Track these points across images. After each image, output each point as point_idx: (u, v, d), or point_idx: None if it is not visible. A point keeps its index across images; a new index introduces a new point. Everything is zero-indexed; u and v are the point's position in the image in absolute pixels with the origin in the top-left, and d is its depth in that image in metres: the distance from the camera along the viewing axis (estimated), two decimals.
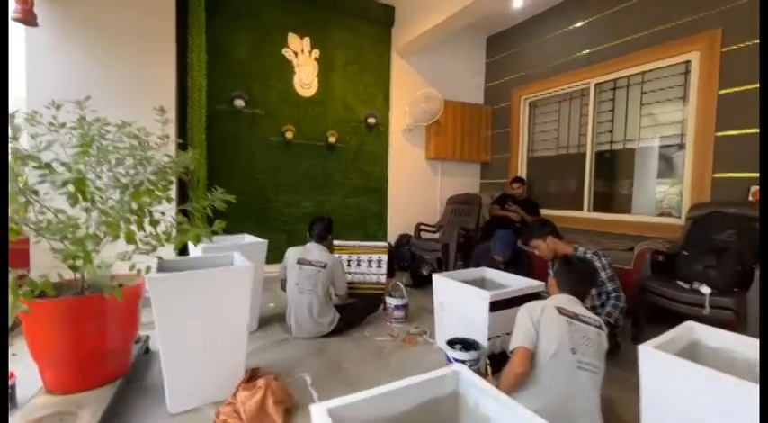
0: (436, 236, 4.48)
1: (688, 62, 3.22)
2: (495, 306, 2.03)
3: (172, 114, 3.12)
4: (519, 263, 2.86)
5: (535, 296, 2.16)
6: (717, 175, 3.04)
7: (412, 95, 4.52)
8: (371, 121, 4.38)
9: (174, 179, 1.90)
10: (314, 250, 2.62)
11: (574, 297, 1.61)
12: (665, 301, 2.36)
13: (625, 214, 3.73)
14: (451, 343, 2.01)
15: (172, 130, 3.11)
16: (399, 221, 4.68)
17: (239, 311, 1.73)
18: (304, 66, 4.01)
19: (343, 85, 4.27)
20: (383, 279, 3.24)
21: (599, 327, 1.51)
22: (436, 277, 2.39)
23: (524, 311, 1.54)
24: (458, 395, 1.08)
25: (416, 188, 4.81)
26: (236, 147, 3.72)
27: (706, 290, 2.14)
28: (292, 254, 2.62)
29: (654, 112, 3.51)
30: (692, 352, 1.45)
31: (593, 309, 2.31)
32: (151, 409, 1.63)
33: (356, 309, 2.69)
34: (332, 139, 4.15)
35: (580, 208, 4.13)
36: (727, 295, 2.11)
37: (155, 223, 1.61)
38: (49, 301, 1.46)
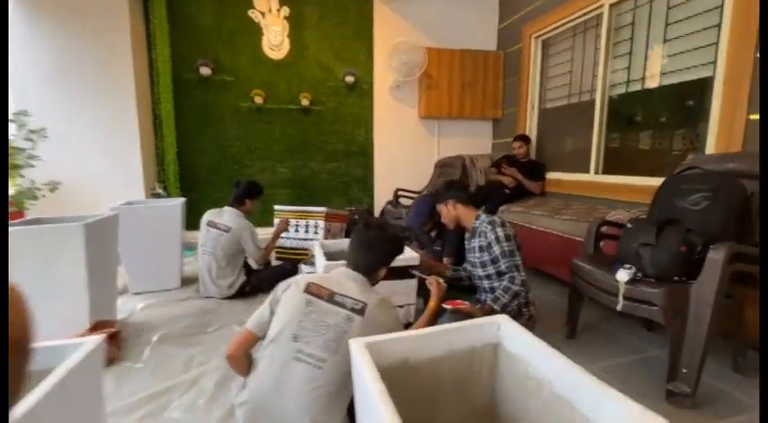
0: None
1: None
2: None
3: (131, 90, 3.35)
4: (448, 233, 2.44)
5: (403, 270, 1.84)
6: (753, 117, 2.10)
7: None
8: (350, 79, 4.09)
9: None
10: (225, 214, 2.62)
11: (355, 272, 1.30)
12: (589, 288, 1.78)
13: (640, 176, 2.86)
14: None
15: (132, 103, 3.36)
16: (388, 187, 4.39)
17: (73, 267, 1.82)
18: (272, 26, 3.88)
19: (317, 43, 4.03)
20: None
21: (357, 311, 1.20)
22: (315, 246, 2.19)
23: (277, 287, 1.30)
24: (498, 345, 1.11)
25: (408, 151, 4.42)
26: (206, 115, 3.86)
27: (622, 276, 1.53)
28: (206, 216, 2.66)
29: (682, 35, 2.52)
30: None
31: (491, 290, 1.87)
32: None
33: (265, 275, 2.65)
34: (305, 102, 4.01)
35: (587, 170, 3.31)
36: (654, 285, 1.48)
37: None
38: None
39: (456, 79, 4.26)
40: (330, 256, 2.22)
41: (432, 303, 1.62)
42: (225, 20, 3.79)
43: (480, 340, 1.13)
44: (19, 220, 2.00)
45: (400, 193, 4.06)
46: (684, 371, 1.45)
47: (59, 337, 1.79)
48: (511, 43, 4.24)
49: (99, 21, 3.21)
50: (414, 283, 1.91)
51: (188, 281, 2.86)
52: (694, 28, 2.43)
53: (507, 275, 1.78)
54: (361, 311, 1.19)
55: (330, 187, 4.32)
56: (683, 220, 1.56)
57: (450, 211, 2.02)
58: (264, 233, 2.94)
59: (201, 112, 3.84)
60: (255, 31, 3.87)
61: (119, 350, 1.85)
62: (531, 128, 4.04)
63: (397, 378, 1.04)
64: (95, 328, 1.91)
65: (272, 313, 1.23)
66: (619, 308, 1.54)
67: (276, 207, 3.18)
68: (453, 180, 2.15)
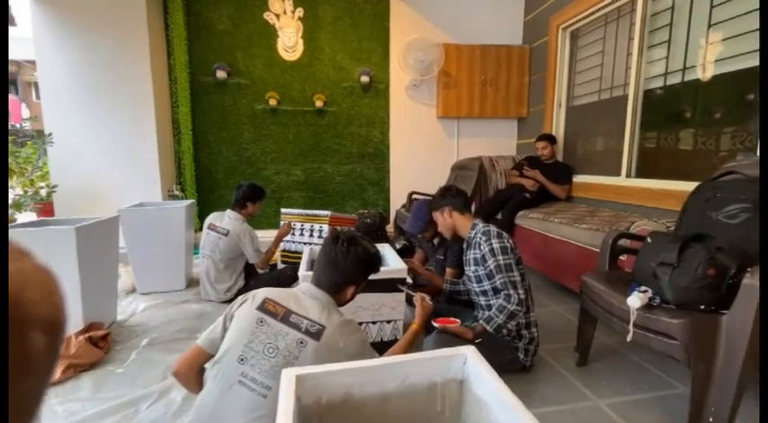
0: None
1: None
2: None
3: (150, 96, 3.45)
4: (451, 242, 2.26)
5: (389, 283, 1.70)
6: None
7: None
8: (365, 79, 3.99)
9: None
10: (226, 217, 2.61)
11: (318, 289, 1.18)
12: (599, 310, 1.54)
13: (678, 180, 2.51)
14: None
15: (150, 109, 3.46)
16: (405, 190, 4.23)
17: (65, 269, 1.86)
18: (286, 28, 3.86)
19: (331, 44, 3.97)
20: None
21: (312, 335, 1.07)
22: (305, 252, 2.10)
23: (235, 301, 1.21)
24: (463, 382, 0.97)
25: (426, 152, 4.25)
26: (222, 118, 3.91)
27: (633, 301, 1.29)
28: (208, 219, 2.66)
29: (731, 18, 2.18)
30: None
31: (488, 308, 1.68)
32: None
33: (264, 279, 2.60)
34: (319, 103, 3.96)
35: (617, 172, 2.98)
36: (674, 314, 1.24)
37: None
38: None
39: (477, 76, 4.03)
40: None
41: (414, 325, 1.47)
42: (241, 24, 3.82)
43: (442, 375, 0.98)
44: (21, 223, 2.07)
45: (414, 196, 3.90)
46: (711, 420, 1.19)
47: None
48: (537, 36, 3.95)
49: (119, 30, 3.33)
50: (401, 296, 1.76)
51: (195, 282, 2.88)
52: (746, 8, 2.08)
53: (502, 293, 1.58)
54: (316, 335, 1.06)
55: (344, 190, 4.24)
56: (715, 235, 1.29)
57: (445, 220, 1.85)
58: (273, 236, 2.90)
59: (218, 116, 3.90)
60: (271, 33, 3.87)
61: (104, 353, 1.86)
62: (558, 127, 3.73)
63: (338, 417, 0.92)
64: (88, 329, 1.94)
65: (224, 329, 1.14)
66: (628, 338, 1.30)
67: (283, 210, 3.14)
68: (450, 185, 1.97)
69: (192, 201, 3.02)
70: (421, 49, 3.72)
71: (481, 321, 1.58)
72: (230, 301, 2.53)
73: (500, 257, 1.60)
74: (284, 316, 1.09)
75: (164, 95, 3.68)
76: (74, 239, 1.85)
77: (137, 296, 2.69)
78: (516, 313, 1.55)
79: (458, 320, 1.71)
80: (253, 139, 3.99)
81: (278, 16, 3.85)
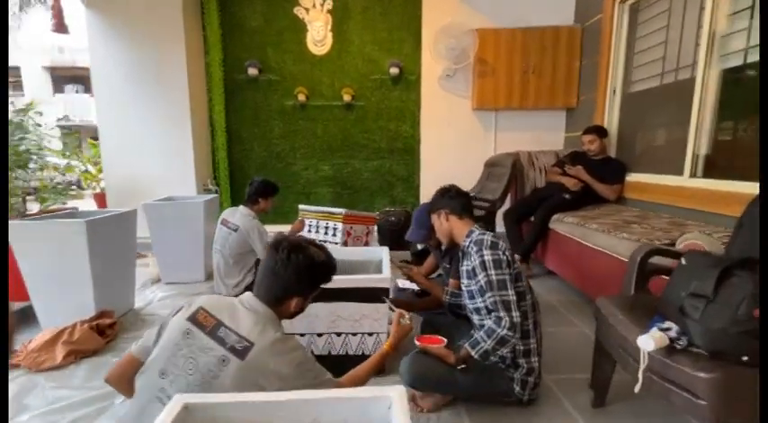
0: None
1: None
2: None
3: (185, 95, 3.61)
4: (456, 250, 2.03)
5: (369, 293, 1.55)
6: None
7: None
8: (395, 71, 3.81)
9: None
10: (238, 213, 2.63)
11: (258, 300, 1.05)
12: (613, 344, 1.24)
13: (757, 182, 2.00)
14: None
15: (186, 107, 3.63)
16: (436, 187, 3.98)
17: (78, 259, 1.97)
18: (315, 21, 3.81)
19: (361, 35, 3.85)
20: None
21: (237, 353, 0.96)
22: None
23: (175, 306, 1.15)
24: None
25: (459, 147, 3.96)
26: (254, 114, 3.99)
27: (645, 342, 0.99)
28: (223, 214, 2.71)
29: None
30: None
31: (481, 328, 1.46)
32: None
33: None
34: (347, 97, 3.87)
35: (679, 171, 2.49)
36: (701, 364, 0.93)
37: None
38: None
39: (517, 63, 3.64)
40: None
41: (385, 346, 1.30)
42: (272, 20, 3.85)
43: (360, 419, 0.81)
44: (40, 216, 2.24)
45: None
46: None
47: (69, 320, 1.97)
48: (590, 14, 3.46)
49: (158, 32, 3.52)
50: (384, 308, 1.60)
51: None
52: None
53: (492, 314, 1.35)
54: (241, 353, 0.94)
55: (372, 186, 4.12)
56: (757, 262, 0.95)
57: (442, 224, 1.64)
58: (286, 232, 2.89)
59: (250, 112, 3.99)
60: (300, 28, 3.85)
61: (107, 342, 1.95)
62: (612, 117, 3.24)
63: None
64: (98, 317, 2.05)
65: (158, 337, 1.08)
66: (636, 388, 1.01)
67: (301, 206, 3.11)
68: (450, 186, 1.75)
69: (214, 196, 3.11)
70: (453, 35, 3.45)
71: (466, 345, 1.37)
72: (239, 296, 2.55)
73: (492, 272, 1.36)
74: (212, 329, 0.98)
75: (200, 94, 3.84)
76: (84, 232, 1.95)
77: (160, 285, 2.83)
78: (507, 339, 1.31)
79: (443, 340, 1.51)
80: (282, 134, 4.03)
81: (307, 10, 3.81)
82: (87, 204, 4.54)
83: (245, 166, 4.06)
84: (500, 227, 3.17)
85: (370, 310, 1.58)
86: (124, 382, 1.08)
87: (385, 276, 1.58)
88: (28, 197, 2.75)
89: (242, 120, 3.99)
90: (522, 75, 3.66)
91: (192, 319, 1.01)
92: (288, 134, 4.03)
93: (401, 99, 3.95)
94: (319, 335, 1.60)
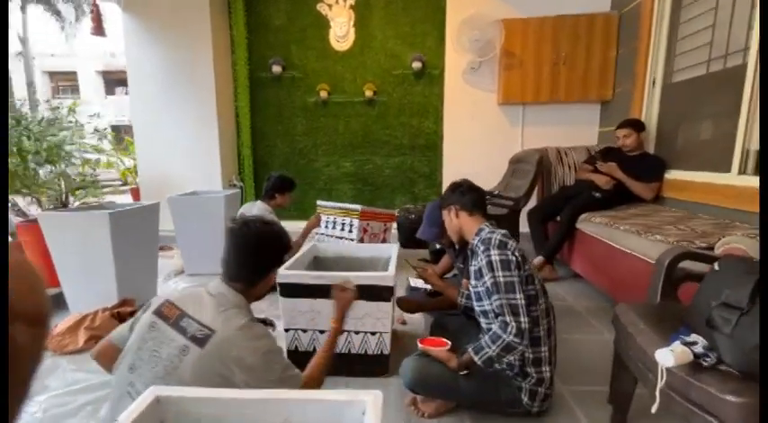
0: None
1: None
2: (290, 291, 1.55)
3: (212, 93, 3.72)
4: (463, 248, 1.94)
5: (372, 291, 1.51)
6: None
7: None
8: (417, 65, 3.73)
9: None
10: (255, 208, 2.66)
11: (225, 285, 1.04)
12: (631, 357, 1.12)
13: None
14: None
15: (212, 106, 3.74)
16: None
17: (101, 249, 2.07)
18: (338, 17, 3.80)
19: (383, 30, 3.80)
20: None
21: (198, 341, 0.93)
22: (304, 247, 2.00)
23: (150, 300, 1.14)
24: None
25: (484, 143, 3.81)
26: (278, 111, 4.04)
27: (664, 357, 0.87)
28: (241, 209, 2.76)
29: None
30: None
31: (488, 331, 1.37)
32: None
33: None
34: (369, 93, 3.84)
35: (726, 167, 2.25)
36: (729, 386, 0.81)
37: None
38: None
39: (547, 54, 3.45)
40: (323, 262, 2.01)
41: (332, 322, 1.25)
42: (296, 17, 3.87)
43: (333, 422, 0.76)
44: (65, 208, 2.35)
45: None
46: None
47: (94, 306, 2.07)
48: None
49: (187, 32, 3.64)
50: (387, 307, 1.54)
51: None
52: None
53: (499, 319, 1.26)
54: (201, 341, 0.92)
55: (394, 183, 4.07)
56: None
57: (452, 221, 1.56)
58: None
59: (273, 109, 4.05)
60: (323, 24, 3.85)
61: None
62: (651, 110, 2.99)
63: None
64: (120, 305, 2.13)
65: (130, 331, 1.05)
66: (653, 408, 0.90)
67: (319, 202, 3.11)
68: (461, 181, 1.65)
69: (236, 191, 3.18)
70: (477, 27, 3.32)
71: (470, 350, 1.29)
72: None
73: (499, 273, 1.27)
74: (176, 320, 0.97)
75: (227, 92, 3.94)
76: (108, 224, 2.04)
77: (183, 277, 2.93)
78: (514, 346, 1.22)
79: (447, 343, 1.43)
80: (305, 131, 4.06)
81: (330, 6, 3.80)
82: (127, 199, 4.79)
83: (269, 163, 4.13)
84: (524, 226, 3.02)
85: (372, 309, 1.53)
86: (106, 364, 1.07)
87: (387, 274, 1.52)
88: (78, 191, 2.96)
89: (266, 117, 4.06)
90: (551, 66, 3.46)
91: (158, 312, 1.00)
92: (310, 131, 4.05)
93: (424, 94, 3.87)
94: (321, 332, 1.57)
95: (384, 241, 3.08)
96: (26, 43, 12.82)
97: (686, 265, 1.30)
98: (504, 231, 1.39)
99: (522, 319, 1.23)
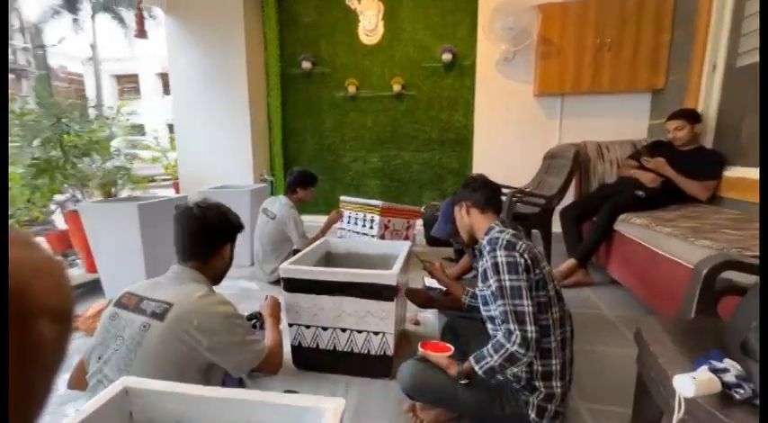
0: None
1: None
2: (293, 286, 1.54)
3: (245, 92, 3.82)
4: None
5: (373, 289, 1.46)
6: None
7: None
8: (447, 57, 3.60)
9: None
10: (276, 202, 2.70)
11: (181, 265, 1.09)
12: (652, 380, 0.97)
13: None
14: None
15: (245, 103, 3.85)
16: (493, 179, 3.71)
17: (131, 237, 2.19)
18: (367, 11, 3.74)
19: (413, 21, 3.70)
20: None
21: (158, 316, 0.94)
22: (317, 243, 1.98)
23: None
24: None
25: (518, 137, 3.61)
26: (307, 107, 4.08)
27: (683, 386, 0.73)
28: (264, 203, 2.81)
29: None
30: None
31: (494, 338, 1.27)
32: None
33: None
34: (397, 87, 3.76)
35: None
36: None
37: None
38: None
39: (589, 40, 3.18)
40: (334, 258, 1.99)
41: (267, 319, 1.35)
42: (325, 12, 3.88)
43: None
44: (97, 200, 2.51)
45: None
46: None
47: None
48: None
49: (222, 32, 3.77)
50: (390, 307, 1.48)
51: None
52: None
53: (503, 326, 1.16)
54: (161, 316, 0.94)
55: (422, 179, 3.97)
56: None
57: (463, 218, 1.47)
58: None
59: (303, 105, 4.09)
60: (352, 19, 3.81)
61: None
62: (709, 99, 2.66)
63: None
64: None
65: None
66: None
67: (342, 197, 3.11)
68: (476, 176, 1.54)
69: (262, 185, 3.25)
70: (511, 13, 3.12)
71: (471, 358, 1.19)
72: (276, 282, 2.62)
73: (505, 277, 1.17)
74: (135, 305, 0.99)
75: (259, 89, 4.04)
76: (137, 215, 2.15)
77: None
78: (518, 357, 1.11)
79: (450, 348, 1.35)
80: (333, 126, 4.07)
81: (359, 0, 3.76)
82: (170, 192, 5.09)
83: (298, 158, 4.19)
84: (557, 227, 2.82)
85: (374, 308, 1.48)
86: (82, 385, 1.10)
87: (389, 273, 1.46)
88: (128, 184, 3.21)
89: (296, 113, 4.12)
90: (594, 53, 3.19)
91: (118, 303, 1.03)
92: (338, 126, 4.06)
93: (454, 87, 3.73)
94: (324, 329, 1.55)
95: (407, 238, 3.02)
96: (95, 49, 14.08)
97: (732, 275, 1.12)
98: (513, 231, 1.27)
99: (528, 328, 1.12)
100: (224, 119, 3.92)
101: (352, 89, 3.87)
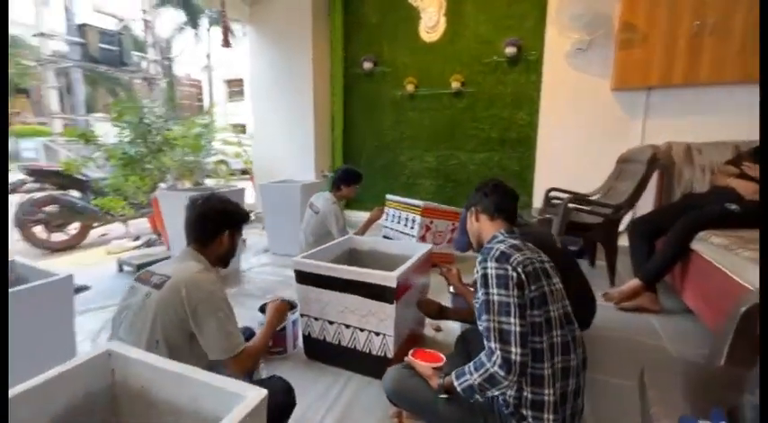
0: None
1: None
2: (303, 278, 1.61)
3: (310, 94, 4.07)
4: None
5: (375, 289, 1.48)
6: None
7: None
8: (511, 51, 3.37)
9: None
10: (321, 197, 2.85)
11: (187, 247, 1.24)
12: None
13: None
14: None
15: (310, 100, 4.10)
16: (557, 184, 3.41)
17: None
18: (428, 8, 3.69)
19: (476, 15, 3.54)
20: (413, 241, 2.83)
21: (157, 286, 1.09)
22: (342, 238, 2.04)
23: None
24: (116, 385, 0.86)
25: (591, 137, 3.23)
26: (368, 106, 4.18)
27: None
28: (311, 198, 2.97)
29: None
30: None
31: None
32: None
33: None
34: (456, 85, 3.65)
35: None
36: None
37: None
38: None
39: (684, 23, 2.69)
40: (356, 255, 2.03)
41: (268, 317, 1.36)
42: (388, 12, 3.92)
43: (218, 407, 0.77)
44: (187, 188, 2.90)
45: (553, 193, 3.06)
46: None
47: None
48: None
49: (291, 35, 4.05)
50: (391, 309, 1.46)
51: None
52: None
53: (486, 344, 1.07)
54: (160, 286, 1.09)
55: (478, 181, 3.77)
56: None
57: (472, 224, 1.40)
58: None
59: (364, 104, 4.21)
60: (413, 17, 3.81)
61: None
62: None
63: (139, 411, 0.88)
64: None
65: None
66: None
67: (388, 196, 3.13)
68: (489, 180, 1.43)
69: (315, 181, 3.44)
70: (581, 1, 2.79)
71: (453, 373, 1.13)
72: None
73: (493, 291, 1.08)
74: (147, 278, 1.14)
75: (324, 90, 4.26)
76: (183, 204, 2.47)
77: (267, 255, 3.33)
78: (498, 379, 1.02)
79: (442, 358, 1.29)
80: (392, 125, 4.11)
81: None
82: (247, 184, 5.67)
83: (358, 156, 4.32)
84: (625, 240, 2.47)
85: (376, 308, 1.48)
86: None
87: (390, 274, 1.44)
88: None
89: (357, 112, 4.25)
90: (690, 39, 2.69)
91: (137, 278, 1.19)
92: (396, 124, 4.08)
93: (518, 83, 3.48)
94: (330, 322, 1.60)
95: (450, 242, 2.92)
96: (209, 58, 16.23)
97: None
98: (513, 242, 1.16)
99: (512, 349, 1.02)
100: (291, 119, 4.23)
101: (410, 87, 3.86)
